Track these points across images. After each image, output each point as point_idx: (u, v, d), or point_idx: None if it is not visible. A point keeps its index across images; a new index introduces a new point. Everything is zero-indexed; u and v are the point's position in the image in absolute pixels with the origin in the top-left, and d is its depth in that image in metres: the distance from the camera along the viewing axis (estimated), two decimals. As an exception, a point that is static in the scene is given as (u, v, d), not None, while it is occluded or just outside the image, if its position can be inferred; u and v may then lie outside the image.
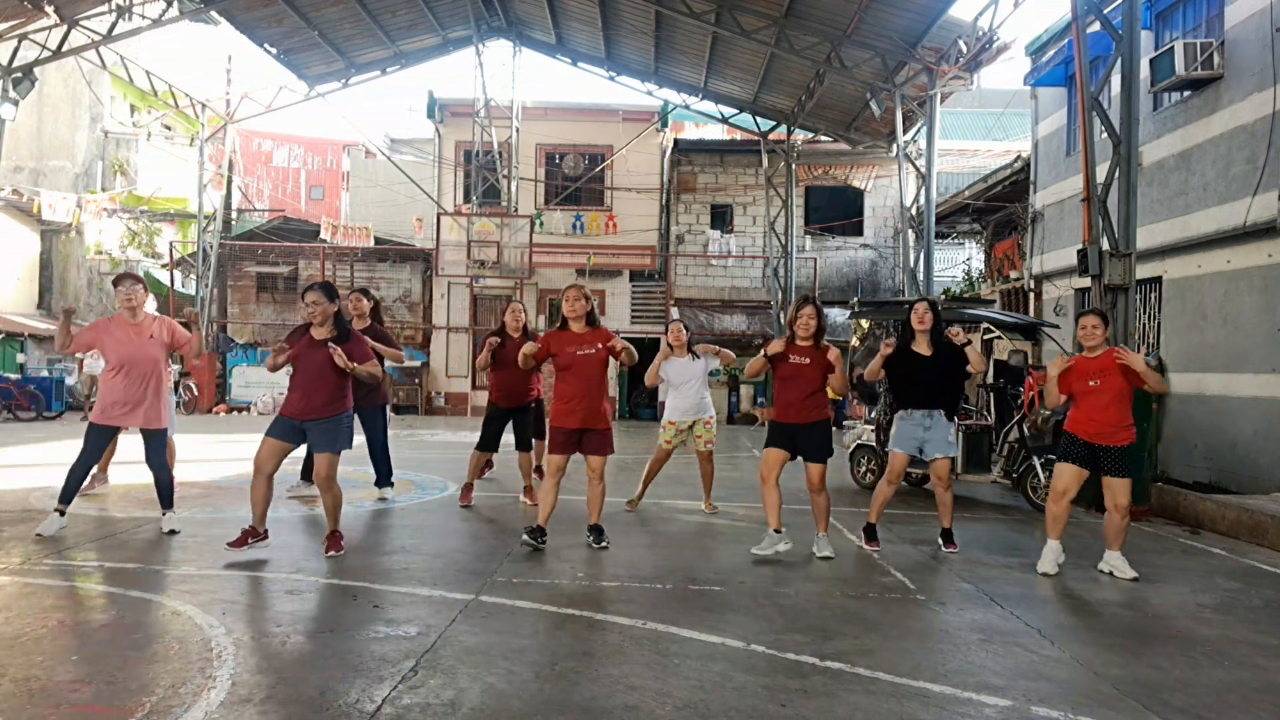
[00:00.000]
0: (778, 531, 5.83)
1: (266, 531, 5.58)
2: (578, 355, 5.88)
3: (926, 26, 14.09)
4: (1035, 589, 5.31)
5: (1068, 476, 5.69)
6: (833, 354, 5.71)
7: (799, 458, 5.89)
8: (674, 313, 21.74)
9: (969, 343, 6.16)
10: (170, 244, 23.70)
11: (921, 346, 6.21)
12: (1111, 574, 5.62)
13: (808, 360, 5.78)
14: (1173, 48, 10.42)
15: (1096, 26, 9.18)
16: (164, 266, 23.85)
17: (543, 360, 6.03)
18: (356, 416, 7.46)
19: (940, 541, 6.33)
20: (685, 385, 7.59)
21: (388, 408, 8.12)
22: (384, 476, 7.80)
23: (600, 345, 5.90)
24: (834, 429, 6.48)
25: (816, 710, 3.30)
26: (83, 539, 5.86)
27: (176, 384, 19.23)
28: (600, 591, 4.94)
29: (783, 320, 20.88)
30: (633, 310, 22.19)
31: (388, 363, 7.39)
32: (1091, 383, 5.58)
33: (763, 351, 5.93)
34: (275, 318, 23.06)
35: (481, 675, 3.53)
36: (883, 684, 3.59)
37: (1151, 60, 10.80)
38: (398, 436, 14.44)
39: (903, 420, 6.27)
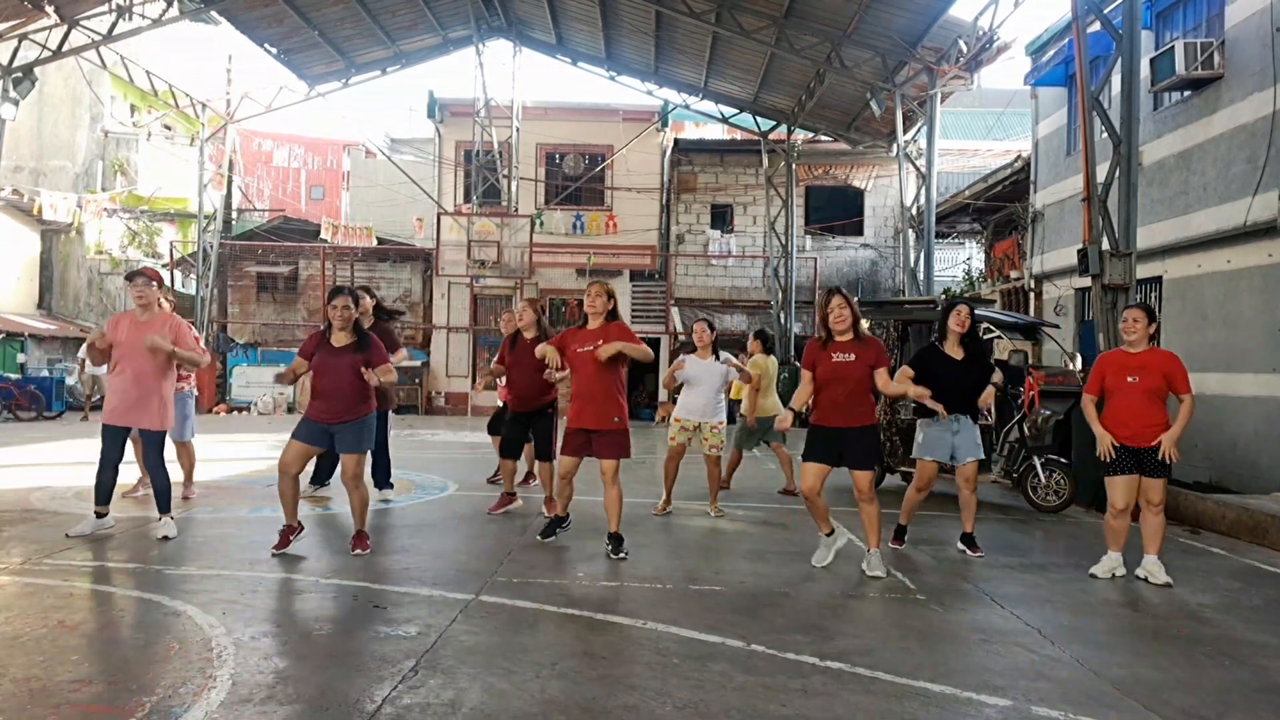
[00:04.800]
0: (830, 535, 5.64)
1: (302, 524, 5.71)
2: (577, 353, 5.72)
3: (926, 26, 14.08)
4: (1035, 589, 5.31)
5: (1124, 491, 5.41)
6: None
7: (843, 466, 5.48)
8: (674, 313, 21.75)
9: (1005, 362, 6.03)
10: (170, 244, 23.72)
11: (953, 349, 6.01)
12: (1146, 579, 5.40)
13: (852, 356, 5.31)
14: (1173, 47, 10.41)
15: (1097, 26, 9.18)
16: (164, 266, 23.79)
17: (558, 349, 5.83)
18: None
19: (963, 547, 6.16)
20: (701, 386, 7.44)
21: (390, 412, 8.07)
22: (384, 478, 7.78)
23: (600, 342, 5.63)
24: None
25: (816, 710, 3.30)
26: (83, 539, 5.85)
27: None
28: (600, 591, 4.94)
29: (784, 320, 20.93)
30: (633, 310, 22.17)
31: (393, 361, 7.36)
32: (1130, 379, 5.38)
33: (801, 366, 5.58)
34: (275, 318, 23.07)
35: (481, 675, 3.53)
36: (883, 684, 3.58)
37: (1152, 60, 10.80)
38: (398, 436, 14.45)
39: (931, 427, 6.02)
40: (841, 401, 5.32)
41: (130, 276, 6.00)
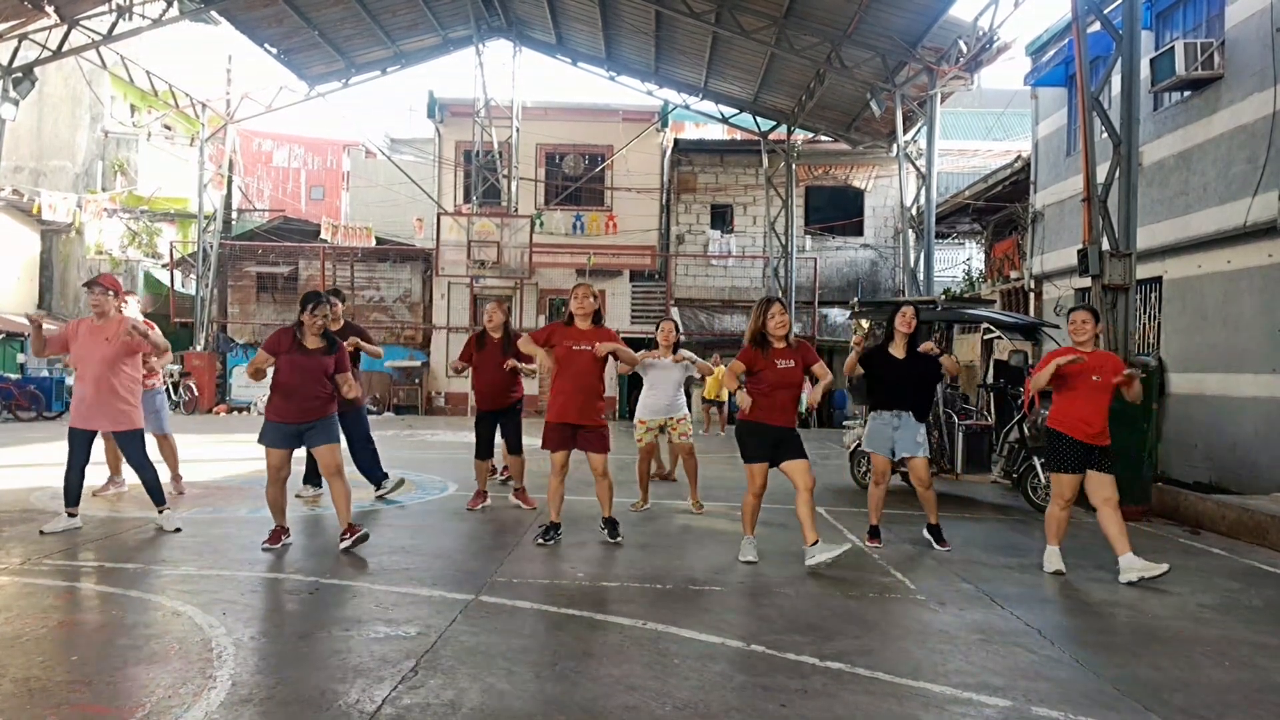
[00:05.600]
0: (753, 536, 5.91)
1: (288, 528, 5.87)
2: (573, 350, 5.98)
3: (926, 26, 14.09)
4: (1035, 589, 5.31)
5: (1073, 486, 5.61)
6: (819, 367, 5.74)
7: (780, 463, 5.67)
8: (674, 313, 21.75)
9: (940, 354, 6.27)
10: (170, 244, 23.72)
11: (897, 349, 6.29)
12: (1140, 580, 5.37)
13: (793, 363, 5.62)
14: (1173, 48, 10.41)
15: (1097, 26, 9.18)
16: (164, 266, 23.86)
17: (541, 344, 6.15)
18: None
19: (929, 538, 6.33)
20: (660, 386, 7.66)
21: (364, 409, 8.11)
22: (378, 472, 7.76)
23: (596, 344, 5.96)
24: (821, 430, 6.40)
25: (816, 710, 3.30)
26: (83, 539, 5.86)
27: (177, 384, 19.27)
28: (600, 591, 4.94)
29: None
30: (633, 310, 22.20)
31: (386, 364, 7.46)
32: (1095, 378, 5.53)
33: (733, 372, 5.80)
34: (275, 318, 23.03)
35: (481, 675, 3.53)
36: (883, 684, 3.59)
37: (1152, 60, 10.80)
38: (398, 436, 14.46)
39: (874, 420, 6.33)
40: (788, 404, 5.67)
41: (88, 284, 6.15)
